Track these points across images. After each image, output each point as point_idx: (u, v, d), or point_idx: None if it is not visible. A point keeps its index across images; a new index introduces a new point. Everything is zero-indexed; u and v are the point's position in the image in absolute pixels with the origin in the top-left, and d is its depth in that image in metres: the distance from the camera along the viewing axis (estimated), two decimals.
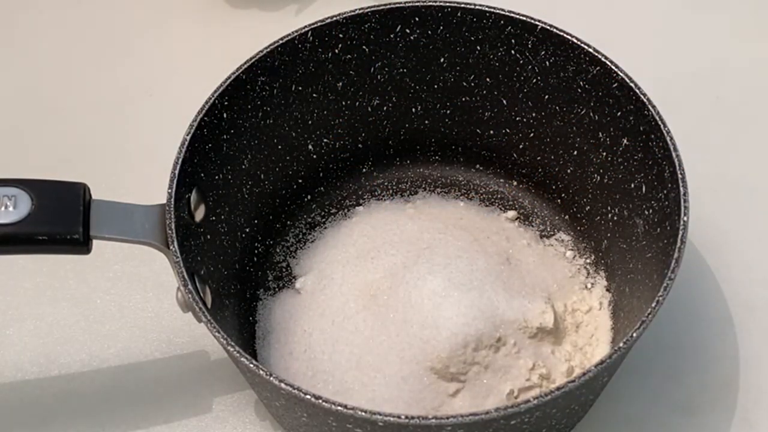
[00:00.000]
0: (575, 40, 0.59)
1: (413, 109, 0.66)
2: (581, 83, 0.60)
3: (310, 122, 0.64)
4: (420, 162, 0.68)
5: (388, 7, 0.61)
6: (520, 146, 0.65)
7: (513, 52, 0.61)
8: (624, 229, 0.60)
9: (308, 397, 0.47)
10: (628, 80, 0.57)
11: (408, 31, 0.62)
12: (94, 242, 0.52)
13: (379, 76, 0.64)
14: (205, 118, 0.56)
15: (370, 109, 0.65)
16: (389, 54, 0.63)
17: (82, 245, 0.51)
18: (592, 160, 0.62)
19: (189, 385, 0.61)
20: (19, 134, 0.73)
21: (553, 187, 0.65)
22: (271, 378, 0.47)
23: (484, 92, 0.64)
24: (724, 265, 0.65)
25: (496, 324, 0.55)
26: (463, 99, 0.65)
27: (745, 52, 0.77)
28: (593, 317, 0.60)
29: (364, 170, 0.67)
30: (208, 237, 0.57)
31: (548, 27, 0.60)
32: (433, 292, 0.56)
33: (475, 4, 0.61)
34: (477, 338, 0.55)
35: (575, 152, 0.63)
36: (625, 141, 0.59)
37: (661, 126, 0.55)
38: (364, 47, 0.62)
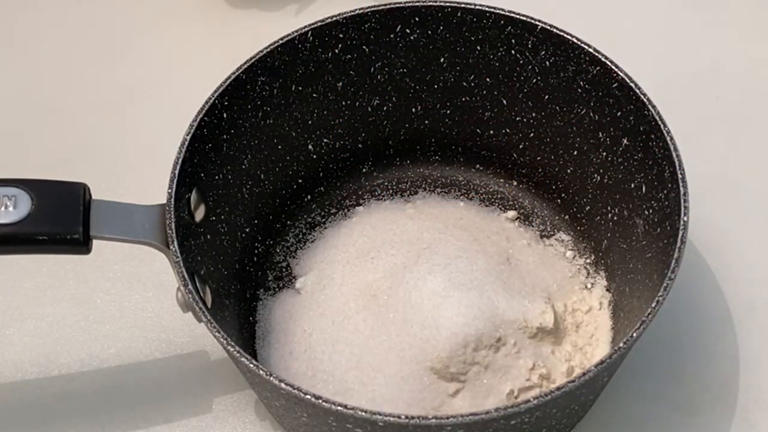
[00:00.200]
0: (575, 40, 0.59)
1: (413, 109, 0.66)
2: (581, 83, 0.60)
3: (310, 122, 0.64)
4: (420, 162, 0.68)
5: (388, 7, 0.61)
6: (520, 146, 0.65)
7: (513, 52, 0.61)
8: (624, 229, 0.60)
9: (308, 397, 0.47)
10: (628, 80, 0.57)
11: (408, 31, 0.62)
12: (94, 242, 0.52)
13: (379, 76, 0.64)
14: (205, 118, 0.56)
15: (370, 109, 0.65)
16: (389, 54, 0.63)
17: (82, 245, 0.51)
18: (592, 160, 0.62)
19: (189, 385, 0.61)
20: (19, 134, 0.73)
21: (553, 187, 0.65)
22: (271, 378, 0.47)
23: (484, 92, 0.64)
24: (724, 265, 0.65)
25: (496, 324, 0.55)
26: (463, 99, 0.65)
27: (745, 52, 0.77)
28: (593, 317, 0.60)
29: (364, 170, 0.67)
30: (208, 237, 0.57)
31: (548, 27, 0.60)
32: (433, 292, 0.56)
33: (475, 4, 0.61)
34: (477, 338, 0.55)
35: (575, 152, 0.63)
36: (625, 141, 0.59)
37: (661, 126, 0.55)
38: (364, 47, 0.62)
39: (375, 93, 0.64)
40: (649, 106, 0.56)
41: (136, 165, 0.70)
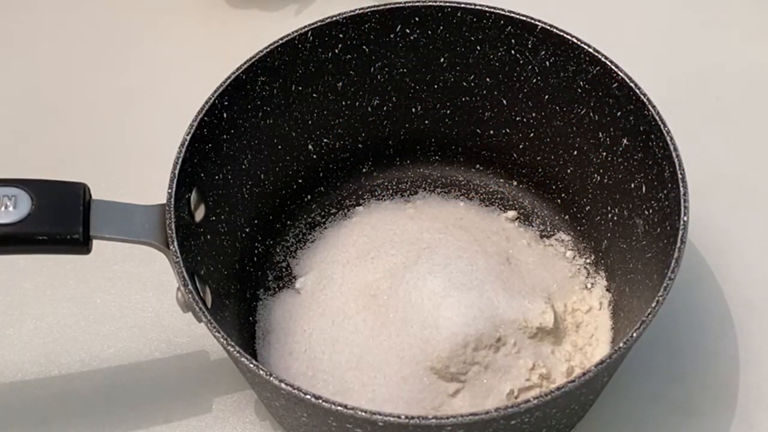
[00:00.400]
0: (575, 40, 0.59)
1: (413, 109, 0.66)
2: (581, 83, 0.60)
3: (310, 122, 0.64)
4: (420, 162, 0.68)
5: (388, 7, 0.61)
6: (520, 146, 0.65)
7: (513, 52, 0.61)
8: (624, 229, 0.60)
9: (308, 397, 0.47)
10: (628, 80, 0.57)
11: (408, 31, 0.62)
12: (94, 242, 0.52)
13: (379, 76, 0.64)
14: (205, 118, 0.56)
15: (370, 109, 0.65)
16: (389, 54, 0.63)
17: (82, 245, 0.51)
18: (592, 160, 0.62)
19: (189, 385, 0.61)
20: (19, 134, 0.73)
21: (553, 187, 0.65)
22: (271, 378, 0.47)
23: (484, 92, 0.64)
24: (724, 265, 0.65)
25: (496, 324, 0.55)
26: (463, 99, 0.65)
27: (745, 53, 0.77)
28: (593, 317, 0.60)
29: (364, 170, 0.67)
30: (208, 237, 0.57)
31: (548, 27, 0.60)
32: (433, 292, 0.56)
33: (475, 4, 0.61)
34: (477, 338, 0.55)
35: (575, 152, 0.63)
36: (625, 141, 0.59)
37: (661, 126, 0.55)
38: (364, 47, 0.62)
39: (375, 93, 0.64)
40: (649, 106, 0.56)
41: (136, 165, 0.70)
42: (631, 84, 0.57)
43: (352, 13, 0.61)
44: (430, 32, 0.62)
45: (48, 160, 0.71)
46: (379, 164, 0.68)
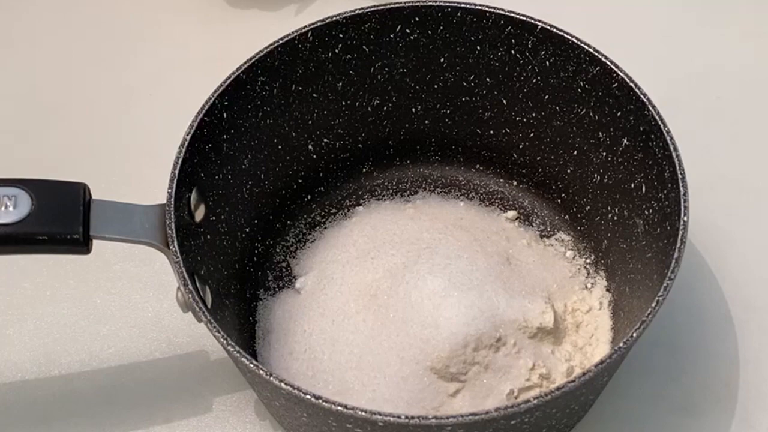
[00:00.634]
0: (575, 40, 0.59)
1: (413, 109, 0.66)
2: (581, 83, 0.60)
3: (310, 122, 0.64)
4: (420, 162, 0.68)
5: (388, 7, 0.61)
6: (520, 146, 0.65)
7: (513, 52, 0.61)
8: (624, 229, 0.60)
9: (308, 397, 0.47)
10: (628, 80, 0.57)
11: (408, 31, 0.62)
12: (94, 242, 0.52)
13: (379, 76, 0.64)
14: (205, 118, 0.56)
15: (370, 109, 0.65)
16: (389, 54, 0.63)
17: (82, 245, 0.51)
18: (592, 160, 0.62)
19: (189, 385, 0.61)
20: (19, 134, 0.73)
21: (553, 187, 0.65)
22: (271, 378, 0.47)
23: (484, 92, 0.64)
24: (724, 265, 0.65)
25: (496, 324, 0.55)
26: (463, 99, 0.65)
27: (745, 53, 0.77)
28: (593, 317, 0.60)
29: (364, 170, 0.67)
30: (208, 237, 0.57)
31: (548, 27, 0.60)
32: (433, 292, 0.56)
33: (475, 4, 0.61)
34: (477, 338, 0.55)
35: (575, 152, 0.63)
36: (625, 141, 0.59)
37: (661, 126, 0.55)
38: (364, 47, 0.62)
39: (375, 93, 0.64)
40: (649, 106, 0.56)
41: (136, 165, 0.70)
42: (631, 84, 0.57)
43: (352, 13, 0.61)
44: (430, 32, 0.62)
45: (48, 160, 0.71)
46: (379, 164, 0.68)
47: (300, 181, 0.65)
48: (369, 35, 0.62)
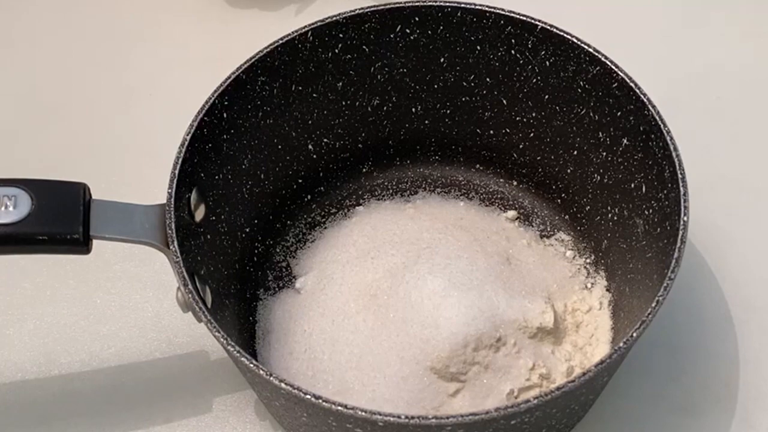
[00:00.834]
0: (575, 40, 0.59)
1: (413, 109, 0.66)
2: (581, 83, 0.60)
3: (310, 122, 0.64)
4: (420, 162, 0.68)
5: (388, 7, 0.61)
6: (520, 146, 0.65)
7: (513, 52, 0.61)
8: (624, 229, 0.60)
9: (308, 397, 0.47)
10: (628, 80, 0.57)
11: (408, 31, 0.62)
12: (94, 242, 0.52)
13: (379, 76, 0.64)
14: (205, 118, 0.56)
15: (370, 109, 0.65)
16: (389, 54, 0.63)
17: (82, 245, 0.51)
18: (592, 160, 0.62)
19: (189, 385, 0.61)
20: (19, 134, 0.73)
21: (553, 187, 0.65)
22: (271, 378, 0.47)
23: (484, 92, 0.64)
24: (724, 265, 0.65)
25: (496, 324, 0.55)
26: (463, 99, 0.65)
27: (745, 53, 0.77)
28: (593, 317, 0.60)
29: (364, 170, 0.67)
30: (208, 237, 0.57)
31: (548, 27, 0.60)
32: (433, 292, 0.56)
33: (475, 4, 0.61)
34: (477, 338, 0.55)
35: (575, 152, 0.63)
36: (625, 141, 0.59)
37: (661, 126, 0.55)
38: (364, 47, 0.62)
39: (375, 93, 0.64)
40: (649, 106, 0.56)
41: (136, 165, 0.70)
42: (631, 84, 0.57)
43: (352, 13, 0.61)
44: (430, 32, 0.62)
45: (48, 160, 0.71)
46: (379, 164, 0.68)
47: (300, 181, 0.65)
48: (369, 35, 0.62)
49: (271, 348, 0.59)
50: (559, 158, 0.64)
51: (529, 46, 0.61)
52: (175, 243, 0.51)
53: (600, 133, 0.60)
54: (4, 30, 0.80)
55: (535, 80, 0.62)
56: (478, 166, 0.68)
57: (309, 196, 0.66)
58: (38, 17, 0.81)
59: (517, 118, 0.64)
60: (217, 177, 0.58)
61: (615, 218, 0.61)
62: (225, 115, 0.58)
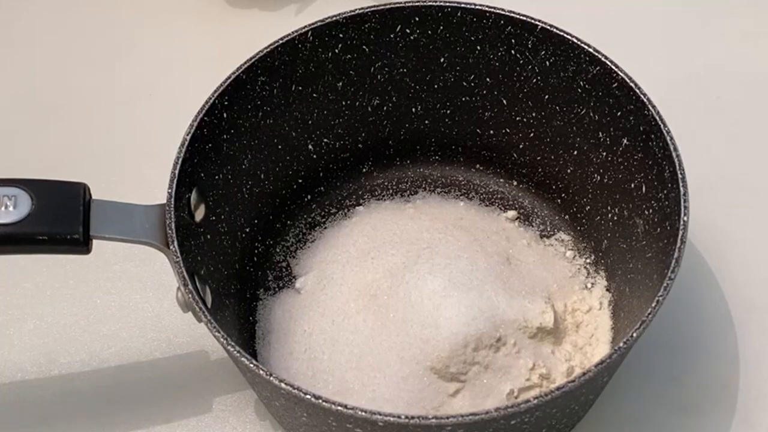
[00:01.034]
0: (575, 40, 0.59)
1: (413, 109, 0.66)
2: (581, 83, 0.60)
3: (310, 122, 0.64)
4: (420, 162, 0.68)
5: (388, 7, 0.61)
6: (520, 146, 0.65)
7: (513, 52, 0.61)
8: (624, 229, 0.60)
9: (308, 397, 0.47)
10: (628, 80, 0.57)
11: (408, 31, 0.62)
12: (94, 242, 0.52)
13: (379, 76, 0.64)
14: (205, 118, 0.56)
15: (370, 109, 0.65)
16: (389, 54, 0.63)
17: (82, 245, 0.51)
18: (592, 160, 0.62)
19: (189, 385, 0.61)
20: (19, 134, 0.73)
21: (553, 187, 0.65)
22: (271, 378, 0.47)
23: (484, 92, 0.64)
24: (724, 265, 0.65)
25: (496, 324, 0.55)
26: (463, 99, 0.65)
27: (745, 53, 0.77)
28: (593, 317, 0.60)
29: (364, 170, 0.67)
30: (208, 237, 0.57)
31: (548, 27, 0.60)
32: (433, 292, 0.56)
33: (475, 4, 0.61)
34: (477, 338, 0.55)
35: (575, 152, 0.63)
36: (625, 141, 0.59)
37: (661, 126, 0.55)
38: (364, 47, 0.62)
39: (375, 93, 0.64)
40: (649, 106, 0.56)
41: (136, 165, 0.70)
42: (631, 84, 0.57)
43: (352, 13, 0.61)
44: (430, 32, 0.62)
45: (48, 160, 0.71)
46: (379, 164, 0.68)
47: (300, 181, 0.65)
48: (369, 35, 0.62)
49: (271, 348, 0.59)
50: (559, 158, 0.64)
51: (529, 46, 0.61)
52: (175, 243, 0.51)
53: (600, 133, 0.60)
54: (4, 30, 0.80)
55: (535, 80, 0.62)
56: (478, 166, 0.67)
57: (309, 196, 0.66)
58: (38, 17, 0.81)
59: (517, 118, 0.64)
60: (217, 177, 0.58)
61: (615, 218, 0.61)
62: (225, 115, 0.58)
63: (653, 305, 0.49)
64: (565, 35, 0.59)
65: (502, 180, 0.67)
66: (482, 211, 0.66)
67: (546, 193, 0.66)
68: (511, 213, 0.66)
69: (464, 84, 0.64)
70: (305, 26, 0.60)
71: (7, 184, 0.51)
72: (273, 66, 0.60)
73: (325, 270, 0.61)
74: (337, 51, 0.62)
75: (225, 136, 0.58)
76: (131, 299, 0.64)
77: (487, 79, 0.63)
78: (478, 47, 0.62)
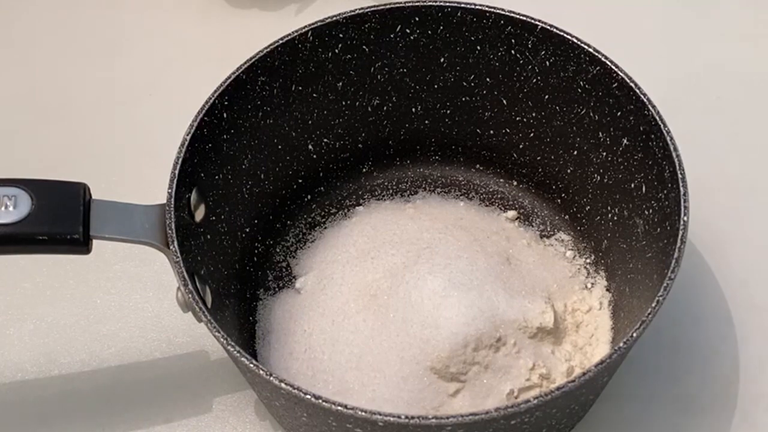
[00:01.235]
0: (575, 40, 0.59)
1: (413, 109, 0.66)
2: (581, 83, 0.60)
3: (310, 122, 0.64)
4: (420, 162, 0.68)
5: (388, 7, 0.61)
6: (520, 146, 0.65)
7: (513, 52, 0.61)
8: (624, 229, 0.60)
9: (308, 397, 0.47)
10: (628, 80, 0.57)
11: (408, 31, 0.62)
12: (94, 242, 0.52)
13: (379, 76, 0.64)
14: (205, 118, 0.56)
15: (370, 109, 0.65)
16: (389, 54, 0.63)
17: (82, 245, 0.51)
18: (592, 160, 0.62)
19: (189, 385, 0.61)
20: (19, 134, 0.73)
21: (553, 187, 0.65)
22: (271, 378, 0.47)
23: (484, 92, 0.64)
24: (724, 265, 0.65)
25: (496, 324, 0.55)
26: (463, 99, 0.65)
27: (745, 53, 0.77)
28: (593, 317, 0.60)
29: (364, 170, 0.67)
30: (208, 237, 0.57)
31: (548, 27, 0.60)
32: (433, 292, 0.56)
33: (475, 4, 0.61)
34: (477, 338, 0.55)
35: (575, 152, 0.63)
36: (625, 141, 0.59)
37: (661, 126, 0.55)
38: (364, 47, 0.62)
39: (375, 93, 0.64)
40: (649, 106, 0.56)
41: (136, 165, 0.70)
42: (631, 84, 0.57)
43: (352, 13, 0.61)
44: (430, 32, 0.62)
45: (48, 160, 0.71)
46: (379, 164, 0.68)
47: (300, 181, 0.65)
48: (369, 35, 0.62)
49: (271, 348, 0.59)
50: (559, 158, 0.64)
51: (529, 46, 0.61)
52: (175, 243, 0.51)
53: (600, 133, 0.60)
54: (4, 30, 0.80)
55: (535, 80, 0.62)
56: (478, 166, 0.67)
57: (309, 196, 0.66)
58: (38, 17, 0.81)
59: (517, 118, 0.64)
60: (217, 177, 0.58)
61: (615, 218, 0.61)
62: (225, 115, 0.58)
63: (653, 305, 0.49)
64: (565, 35, 0.59)
65: (502, 180, 0.67)
66: (482, 211, 0.66)
67: (546, 193, 0.66)
68: (511, 213, 0.66)
69: (464, 84, 0.64)
70: (305, 26, 0.60)
71: (7, 184, 0.51)
72: (273, 66, 0.60)
73: (325, 270, 0.61)
74: (337, 51, 0.62)
75: (225, 136, 0.58)
76: (131, 299, 0.64)
77: (487, 79, 0.63)
78: (478, 47, 0.62)
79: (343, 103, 0.64)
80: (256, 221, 0.63)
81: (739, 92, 0.74)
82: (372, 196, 0.67)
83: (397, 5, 0.61)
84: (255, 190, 0.62)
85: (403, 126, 0.66)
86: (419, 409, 0.55)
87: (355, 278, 0.59)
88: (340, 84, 0.63)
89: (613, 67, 0.58)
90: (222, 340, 0.49)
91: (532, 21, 0.60)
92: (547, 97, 0.62)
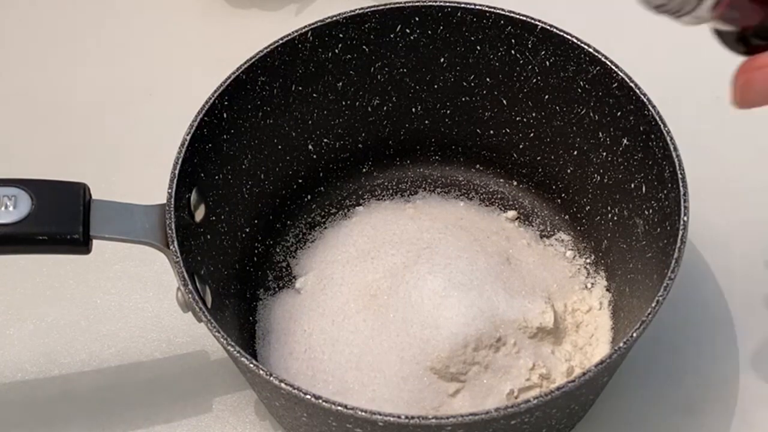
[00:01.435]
0: (575, 40, 0.59)
1: (413, 109, 0.66)
2: (581, 83, 0.60)
3: (310, 122, 0.64)
4: (420, 162, 0.68)
5: (388, 7, 0.61)
6: (520, 146, 0.65)
7: (513, 52, 0.61)
8: (624, 229, 0.60)
9: (308, 397, 0.47)
10: (628, 80, 0.57)
11: (408, 31, 0.62)
12: (94, 242, 0.52)
13: (379, 76, 0.64)
14: (205, 118, 0.56)
15: (370, 109, 0.65)
16: (389, 54, 0.63)
17: (82, 245, 0.51)
18: (592, 160, 0.62)
19: (189, 385, 0.61)
20: (19, 134, 0.73)
21: (553, 187, 0.65)
22: (271, 378, 0.47)
23: (484, 92, 0.64)
24: (724, 265, 0.65)
25: (496, 324, 0.55)
26: (463, 99, 0.65)
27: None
28: (593, 317, 0.60)
29: (364, 170, 0.67)
30: (208, 237, 0.57)
31: (548, 27, 0.60)
32: (433, 292, 0.56)
33: (475, 4, 0.61)
34: (477, 338, 0.55)
35: (575, 152, 0.63)
36: (625, 141, 0.59)
37: (661, 126, 0.55)
38: (364, 47, 0.62)
39: (375, 93, 0.64)
40: (649, 106, 0.56)
41: (136, 165, 0.70)
42: (631, 84, 0.57)
43: (352, 13, 0.61)
44: (430, 32, 0.62)
45: (48, 160, 0.71)
46: (379, 164, 0.68)
47: (300, 181, 0.65)
48: (369, 35, 0.62)
49: (271, 348, 0.59)
50: (559, 158, 0.64)
51: (529, 46, 0.61)
52: (175, 243, 0.51)
53: (600, 133, 0.60)
54: (4, 30, 0.80)
55: (535, 80, 0.62)
56: (478, 166, 0.67)
57: (309, 196, 0.66)
58: (38, 17, 0.81)
59: (517, 118, 0.64)
60: (217, 177, 0.58)
61: (615, 218, 0.61)
62: (225, 115, 0.58)
63: (653, 305, 0.49)
64: (565, 35, 0.59)
65: (502, 180, 0.67)
66: (482, 211, 0.66)
67: (546, 193, 0.66)
68: (511, 213, 0.66)
69: (464, 84, 0.64)
70: (305, 26, 0.60)
71: (7, 184, 0.51)
72: (273, 66, 0.60)
73: (325, 270, 0.61)
74: (337, 51, 0.62)
75: (225, 136, 0.58)
76: (131, 299, 0.64)
77: (487, 79, 0.63)
78: (478, 47, 0.62)
79: (343, 103, 0.64)
80: (256, 221, 0.63)
81: None
82: (372, 196, 0.67)
83: (397, 5, 0.61)
84: (255, 190, 0.62)
85: (403, 126, 0.66)
86: (419, 409, 0.55)
87: (355, 278, 0.59)
88: (340, 84, 0.63)
89: (613, 67, 0.58)
90: (222, 340, 0.49)
91: (532, 21, 0.60)
92: (547, 97, 0.62)
